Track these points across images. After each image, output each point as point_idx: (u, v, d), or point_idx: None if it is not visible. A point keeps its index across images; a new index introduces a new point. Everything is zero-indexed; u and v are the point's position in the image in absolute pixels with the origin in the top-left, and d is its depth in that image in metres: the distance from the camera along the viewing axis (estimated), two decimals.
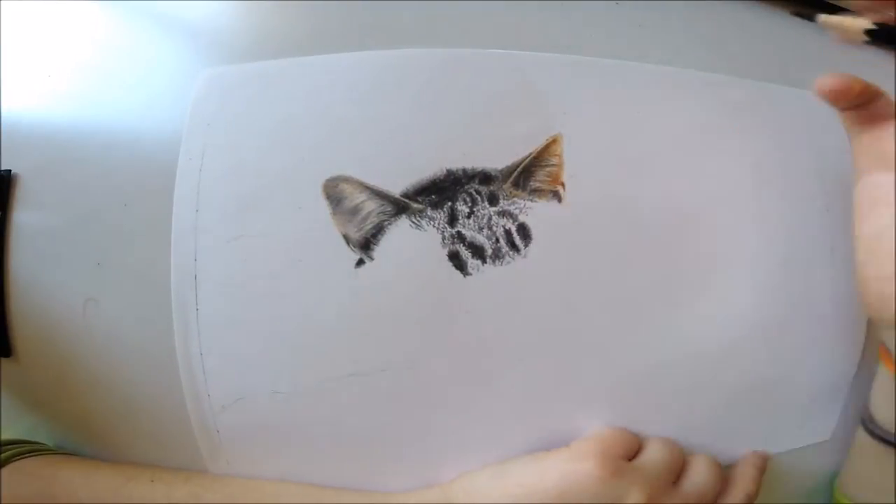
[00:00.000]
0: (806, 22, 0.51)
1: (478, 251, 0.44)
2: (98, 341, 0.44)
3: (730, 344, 0.47)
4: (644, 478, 0.42)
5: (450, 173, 0.44)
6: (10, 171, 0.45)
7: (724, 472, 0.46)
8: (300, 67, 0.44)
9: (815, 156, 0.49)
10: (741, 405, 0.49)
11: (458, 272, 0.44)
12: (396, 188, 0.43)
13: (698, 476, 0.45)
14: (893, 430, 0.44)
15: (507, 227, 0.44)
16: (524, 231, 0.44)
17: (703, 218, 0.47)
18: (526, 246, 0.44)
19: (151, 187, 0.44)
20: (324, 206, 0.43)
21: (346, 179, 0.43)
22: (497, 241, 0.44)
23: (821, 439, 0.51)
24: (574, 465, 0.42)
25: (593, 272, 0.45)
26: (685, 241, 0.47)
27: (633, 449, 0.45)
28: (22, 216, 0.45)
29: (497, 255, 0.44)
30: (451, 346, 0.44)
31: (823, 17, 0.40)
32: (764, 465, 0.48)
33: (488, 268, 0.44)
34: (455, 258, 0.44)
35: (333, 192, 0.43)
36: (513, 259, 0.44)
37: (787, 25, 0.51)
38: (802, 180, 0.49)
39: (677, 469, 0.45)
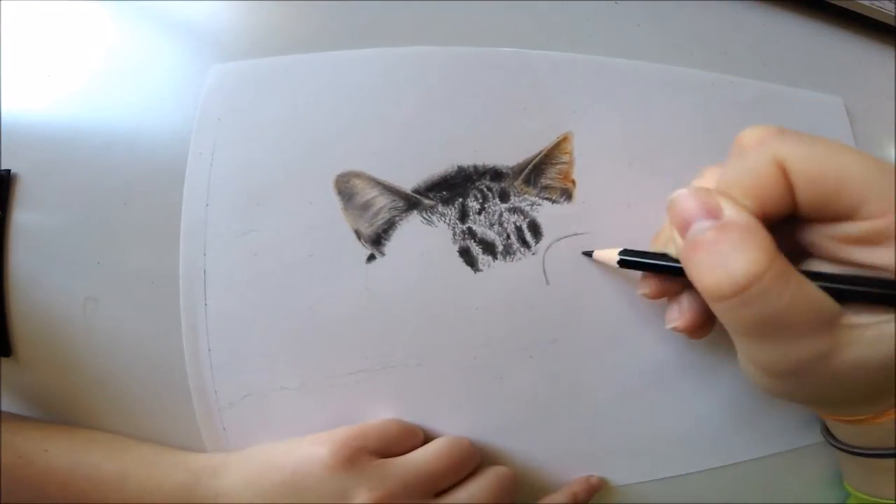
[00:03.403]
0: (806, 22, 0.52)
1: (489, 247, 0.44)
2: (98, 341, 0.44)
3: (727, 343, 0.47)
4: (382, 478, 0.41)
5: (461, 170, 0.44)
6: (9, 171, 0.44)
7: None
8: (311, 63, 0.44)
9: None
10: (741, 405, 0.49)
11: (468, 268, 0.44)
12: (408, 184, 0.44)
13: (467, 495, 0.43)
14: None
15: (517, 224, 0.44)
16: (535, 227, 0.44)
17: None
18: (536, 242, 0.44)
19: (151, 187, 0.44)
20: (335, 202, 0.43)
21: (358, 175, 0.43)
22: (508, 237, 0.44)
23: (815, 441, 0.51)
24: (311, 448, 0.41)
25: (601, 268, 0.45)
26: None
27: (398, 445, 0.44)
28: (22, 216, 0.44)
29: (508, 251, 0.44)
30: (461, 342, 0.44)
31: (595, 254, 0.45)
32: (586, 494, 0.47)
33: (499, 264, 0.44)
34: (466, 254, 0.44)
35: (345, 188, 0.43)
36: (524, 255, 0.44)
37: (787, 25, 0.52)
38: None
39: (442, 481, 0.43)
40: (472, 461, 0.45)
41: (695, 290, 0.39)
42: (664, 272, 0.39)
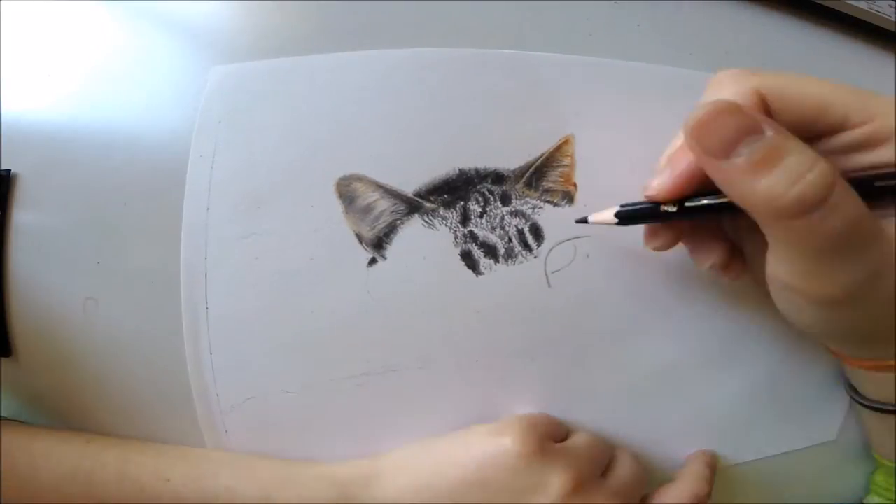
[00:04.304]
0: (806, 25, 0.52)
1: (490, 251, 0.44)
2: (98, 341, 0.44)
3: (734, 344, 0.48)
4: (570, 460, 0.41)
5: (462, 173, 0.44)
6: (9, 170, 0.44)
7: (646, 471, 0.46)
8: (312, 65, 0.44)
9: None
10: (746, 406, 0.49)
11: (470, 271, 0.44)
12: (409, 187, 0.43)
13: (624, 471, 0.44)
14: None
15: (519, 227, 0.44)
16: (537, 231, 0.44)
17: None
18: (538, 246, 0.44)
19: (151, 187, 0.44)
20: (336, 205, 0.43)
21: (359, 178, 0.43)
22: (510, 240, 0.44)
23: (826, 440, 0.51)
24: (494, 440, 0.41)
25: (603, 271, 0.46)
26: None
27: (559, 434, 0.44)
28: (22, 216, 0.44)
29: (510, 255, 0.44)
30: (463, 345, 0.44)
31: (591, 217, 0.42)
32: (714, 463, 0.47)
33: (501, 267, 0.44)
34: (467, 257, 0.44)
35: (346, 191, 0.43)
36: (525, 258, 0.44)
37: (787, 28, 0.52)
38: None
39: (604, 461, 0.44)
40: (610, 448, 0.45)
41: (707, 225, 0.39)
42: (692, 215, 0.37)
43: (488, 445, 0.41)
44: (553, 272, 0.45)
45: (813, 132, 0.34)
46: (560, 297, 0.45)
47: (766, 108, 0.33)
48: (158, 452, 0.43)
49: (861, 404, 0.45)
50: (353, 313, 0.43)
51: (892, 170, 0.33)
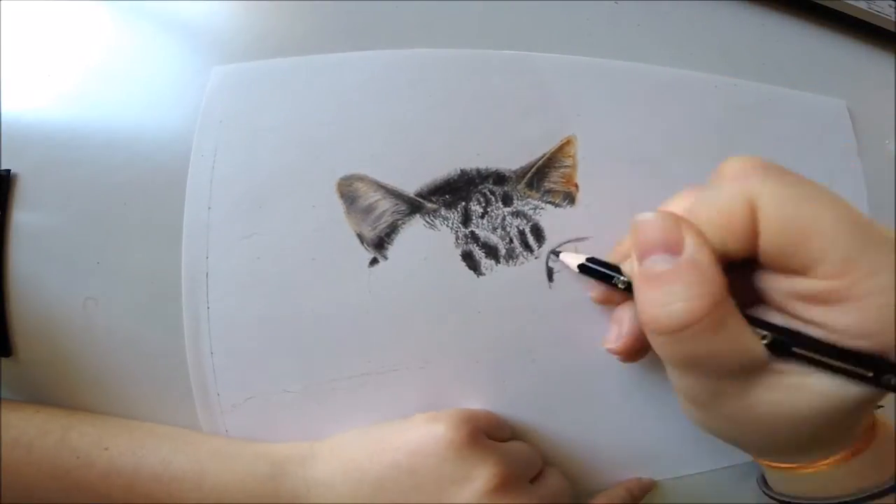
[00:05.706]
0: (806, 25, 0.52)
1: (491, 251, 0.44)
2: (98, 341, 0.44)
3: None
4: (501, 457, 0.41)
5: (464, 173, 0.44)
6: (9, 171, 0.44)
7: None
8: (313, 65, 0.44)
9: (823, 159, 0.50)
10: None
11: (471, 272, 0.44)
12: (410, 187, 0.44)
13: (552, 482, 0.44)
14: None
15: (520, 228, 0.44)
16: (538, 231, 0.44)
17: None
18: (539, 246, 0.45)
19: (152, 187, 0.44)
20: (337, 205, 0.43)
21: (361, 178, 0.43)
22: (511, 241, 0.44)
23: None
24: (428, 426, 0.41)
25: None
26: None
27: (501, 434, 0.44)
28: (22, 216, 0.44)
29: (511, 256, 0.44)
30: (464, 345, 0.44)
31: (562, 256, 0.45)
32: (640, 492, 0.48)
33: (501, 268, 0.44)
34: (468, 258, 0.44)
35: (347, 191, 0.43)
36: (526, 259, 0.44)
37: (787, 28, 0.52)
38: None
39: (534, 470, 0.44)
40: (542, 461, 0.45)
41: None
42: (615, 288, 0.40)
43: (422, 431, 0.41)
44: (554, 273, 0.45)
45: (783, 266, 0.33)
46: (560, 298, 0.45)
47: (754, 222, 0.32)
48: (104, 423, 0.43)
49: (770, 496, 0.44)
50: (354, 313, 0.43)
51: (803, 332, 0.33)
